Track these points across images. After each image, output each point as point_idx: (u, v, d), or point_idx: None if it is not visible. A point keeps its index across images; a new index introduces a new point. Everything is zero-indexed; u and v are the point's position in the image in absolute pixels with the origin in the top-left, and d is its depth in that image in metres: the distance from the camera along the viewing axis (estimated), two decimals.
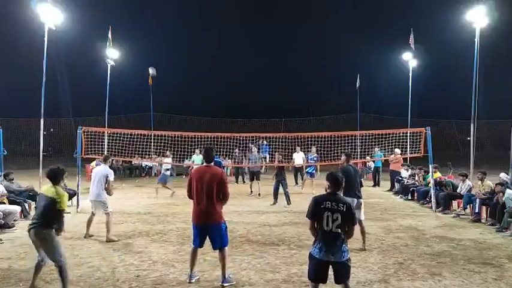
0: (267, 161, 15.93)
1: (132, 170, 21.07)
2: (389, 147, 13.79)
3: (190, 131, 15.40)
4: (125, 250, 6.50)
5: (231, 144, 14.58)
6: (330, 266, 3.82)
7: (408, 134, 13.57)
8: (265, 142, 19.13)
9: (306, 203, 4.14)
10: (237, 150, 17.27)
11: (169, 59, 43.70)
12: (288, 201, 11.04)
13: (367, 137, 13.61)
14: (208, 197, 4.85)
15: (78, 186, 10.38)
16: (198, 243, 4.99)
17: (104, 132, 13.54)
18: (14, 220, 8.29)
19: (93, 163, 13.35)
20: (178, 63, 46.32)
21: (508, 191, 8.49)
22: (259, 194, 12.85)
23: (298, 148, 14.33)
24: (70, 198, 10.90)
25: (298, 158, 14.34)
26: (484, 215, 9.25)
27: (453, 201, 10.70)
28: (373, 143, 14.13)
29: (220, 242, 4.93)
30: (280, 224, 8.67)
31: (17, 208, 8.52)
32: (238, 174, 18.19)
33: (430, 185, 11.13)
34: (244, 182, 17.41)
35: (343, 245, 3.81)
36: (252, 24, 52.97)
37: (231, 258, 5.71)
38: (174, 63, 46.25)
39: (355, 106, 26.73)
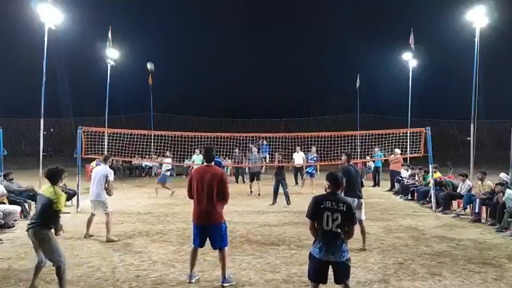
0: (267, 161, 15.93)
1: (132, 170, 21.07)
2: (390, 147, 13.79)
3: (190, 131, 15.40)
4: (125, 250, 6.50)
5: (231, 144, 14.59)
6: (330, 266, 3.82)
7: (408, 134, 13.57)
8: (265, 142, 19.13)
9: (305, 203, 4.14)
10: (237, 150, 17.27)
11: (169, 59, 43.73)
12: (288, 202, 11.04)
13: (367, 137, 13.61)
14: (209, 197, 4.85)
15: (78, 186, 10.38)
16: (199, 243, 4.99)
17: (104, 132, 13.54)
18: (14, 220, 8.29)
19: (93, 163, 13.35)
20: (178, 63, 46.34)
21: (508, 191, 8.49)
22: (259, 194, 12.85)
23: (298, 148, 14.33)
24: (70, 198, 10.93)
25: (298, 158, 14.34)
26: (484, 215, 9.25)
27: (453, 201, 10.70)
28: (373, 143, 14.13)
29: (220, 242, 4.93)
30: (280, 224, 8.67)
31: (17, 208, 8.52)
32: (238, 174, 18.19)
33: (430, 185, 11.13)
34: (244, 182, 17.41)
35: (343, 245, 3.81)
36: (252, 24, 53.03)
37: (231, 258, 5.71)
38: (174, 63, 46.27)
39: (355, 106, 26.75)
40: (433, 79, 34.68)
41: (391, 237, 7.56)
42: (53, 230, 4.55)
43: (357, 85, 25.30)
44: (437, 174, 12.01)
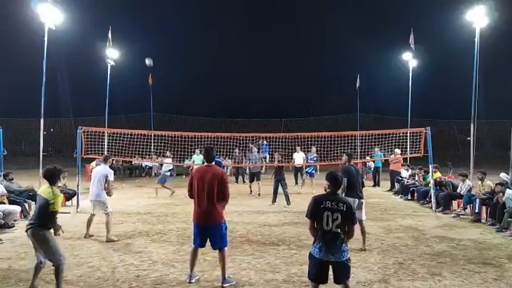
0: (267, 161, 15.93)
1: (132, 170, 21.08)
2: (389, 147, 13.79)
3: (190, 131, 15.40)
4: (125, 250, 6.50)
5: (231, 144, 14.59)
6: (330, 266, 3.82)
7: (408, 134, 13.58)
8: (265, 142, 19.13)
9: (305, 203, 4.13)
10: (237, 150, 17.27)
11: (169, 59, 43.69)
12: (288, 202, 11.03)
13: (367, 137, 13.61)
14: (209, 196, 4.86)
15: (78, 186, 10.38)
16: (199, 243, 4.99)
17: (104, 132, 13.55)
18: (14, 220, 8.29)
19: (93, 163, 13.36)
20: (178, 63, 46.35)
21: (508, 191, 8.49)
22: (259, 194, 12.85)
23: (298, 148, 14.33)
24: (70, 198, 10.95)
25: (299, 158, 14.34)
26: (484, 215, 9.25)
27: (453, 201, 10.69)
28: (373, 143, 14.13)
29: (220, 243, 4.93)
30: (280, 224, 8.67)
31: (17, 208, 8.52)
32: (239, 174, 18.19)
33: (430, 185, 11.13)
34: (244, 182, 17.41)
35: (343, 245, 3.81)
36: (252, 24, 53.04)
37: (231, 258, 5.71)
38: (174, 63, 46.26)
39: (355, 106, 26.75)
40: (433, 79, 34.72)
41: (391, 237, 7.56)
42: (52, 230, 4.55)
43: (357, 85, 25.30)
44: (437, 174, 12.01)
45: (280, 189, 11.20)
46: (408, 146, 13.74)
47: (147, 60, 18.58)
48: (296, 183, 15.54)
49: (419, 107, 25.47)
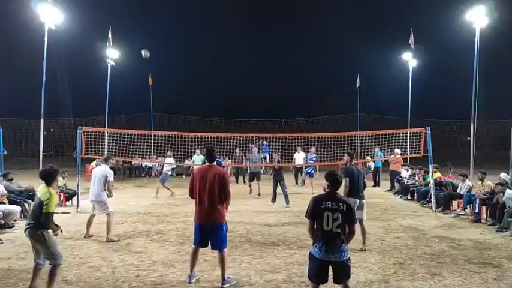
0: (267, 161, 15.94)
1: (132, 170, 21.08)
2: (390, 147, 13.79)
3: (191, 131, 15.41)
4: (125, 250, 6.49)
5: (231, 144, 14.60)
6: (330, 266, 3.82)
7: (408, 134, 13.58)
8: (265, 142, 19.13)
9: (305, 203, 4.13)
10: (237, 150, 17.27)
11: (169, 59, 43.75)
12: (287, 202, 11.02)
13: (367, 137, 13.62)
14: (211, 196, 4.85)
15: (78, 186, 10.38)
16: (200, 243, 4.99)
17: (104, 132, 13.55)
18: (14, 220, 8.29)
19: (93, 163, 13.37)
20: (178, 63, 46.41)
21: (508, 191, 8.49)
22: (259, 194, 12.84)
23: (299, 148, 14.33)
24: (70, 198, 10.95)
25: (299, 158, 14.34)
26: (484, 215, 9.25)
27: (453, 201, 10.69)
28: (373, 143, 14.14)
29: (220, 244, 4.93)
30: (280, 224, 8.66)
31: (17, 208, 8.52)
32: (239, 174, 18.18)
33: (430, 185, 11.13)
34: (244, 182, 17.40)
35: (343, 245, 3.81)
36: (252, 24, 53.11)
37: (231, 258, 5.71)
38: (174, 63, 46.34)
39: (355, 106, 26.78)
40: (433, 79, 34.77)
41: (391, 237, 7.56)
42: (50, 230, 4.54)
43: (357, 85, 25.33)
44: (437, 174, 12.01)
45: (279, 190, 11.20)
46: (408, 146, 13.74)
47: (143, 51, 18.49)
48: (296, 183, 15.54)
49: (419, 107, 25.54)
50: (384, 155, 15.39)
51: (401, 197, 13.08)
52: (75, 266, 5.59)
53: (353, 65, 34.52)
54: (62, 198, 10.81)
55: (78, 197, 10.32)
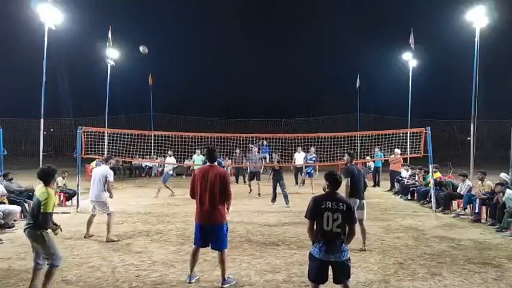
0: (267, 161, 15.95)
1: (132, 170, 21.08)
2: (390, 147, 13.79)
3: (190, 131, 15.42)
4: (125, 250, 6.49)
5: (231, 144, 14.60)
6: (330, 266, 3.82)
7: (408, 134, 13.59)
8: (265, 143, 19.13)
9: (305, 203, 4.13)
10: (238, 150, 17.28)
11: (169, 59, 43.79)
12: (287, 202, 11.02)
13: (367, 137, 13.62)
14: (212, 196, 4.85)
15: (78, 186, 10.38)
16: (200, 243, 4.98)
17: (104, 132, 13.55)
18: (14, 220, 8.29)
19: (93, 163, 13.37)
20: (178, 63, 46.43)
21: (508, 191, 8.49)
22: (259, 194, 12.83)
23: (299, 148, 14.33)
24: (70, 198, 10.95)
25: (300, 158, 14.34)
26: (484, 215, 9.25)
27: (453, 201, 10.69)
28: (373, 143, 14.14)
29: (220, 244, 4.92)
30: (280, 224, 8.66)
31: (17, 208, 8.52)
32: (239, 175, 18.17)
33: (430, 185, 11.13)
34: (245, 182, 17.40)
35: (343, 245, 3.81)
36: (252, 24, 53.12)
37: (231, 258, 5.71)
38: (174, 63, 46.37)
39: (355, 106, 26.79)
40: (433, 79, 34.79)
41: (391, 237, 7.55)
42: (49, 230, 4.54)
43: (357, 85, 25.33)
44: (437, 174, 12.01)
45: (279, 190, 11.20)
46: (408, 146, 13.74)
47: (141, 47, 18.47)
48: (296, 183, 15.53)
49: (419, 107, 25.56)
50: (384, 155, 15.39)
51: (401, 197, 13.08)
52: (75, 266, 5.59)
53: (353, 65, 34.57)
54: (62, 198, 10.82)
55: (78, 197, 10.32)
